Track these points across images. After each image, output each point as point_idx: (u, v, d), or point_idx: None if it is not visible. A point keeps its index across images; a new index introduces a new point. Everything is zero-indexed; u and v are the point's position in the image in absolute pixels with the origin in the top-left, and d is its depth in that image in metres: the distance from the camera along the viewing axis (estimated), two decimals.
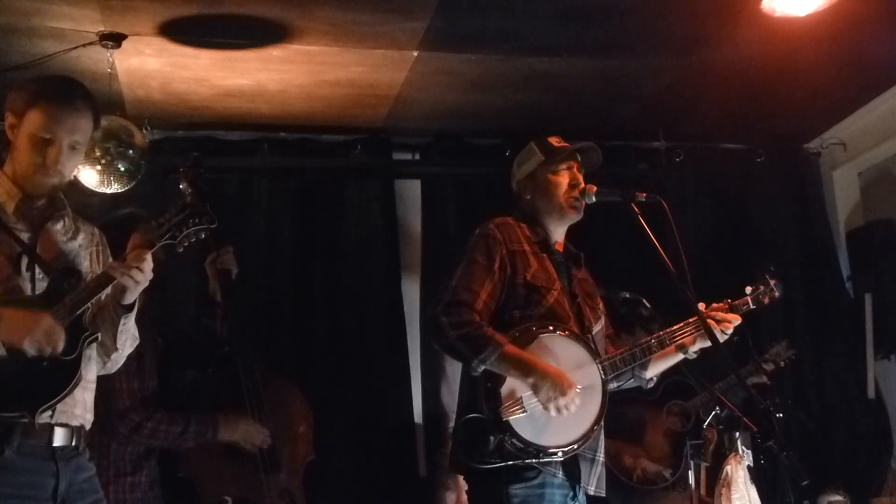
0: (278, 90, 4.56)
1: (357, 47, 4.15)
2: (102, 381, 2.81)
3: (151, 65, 4.24)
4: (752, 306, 3.27)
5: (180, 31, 3.92)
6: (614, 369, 2.99)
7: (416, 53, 4.23)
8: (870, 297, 5.27)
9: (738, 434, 3.83)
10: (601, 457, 3.00)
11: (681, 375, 4.09)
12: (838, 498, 4.81)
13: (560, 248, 3.16)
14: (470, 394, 2.89)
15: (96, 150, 3.95)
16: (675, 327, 3.13)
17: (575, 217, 3.12)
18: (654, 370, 3.20)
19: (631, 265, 4.55)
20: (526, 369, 2.79)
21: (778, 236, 5.51)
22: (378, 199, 5.17)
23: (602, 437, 3.00)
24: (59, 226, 2.70)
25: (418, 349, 4.98)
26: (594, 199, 3.07)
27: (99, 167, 3.99)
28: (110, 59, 4.07)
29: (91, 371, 2.68)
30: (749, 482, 3.73)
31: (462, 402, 2.99)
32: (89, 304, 2.55)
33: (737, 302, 3.23)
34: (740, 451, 3.79)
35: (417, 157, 5.31)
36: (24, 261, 2.58)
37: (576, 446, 2.84)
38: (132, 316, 2.66)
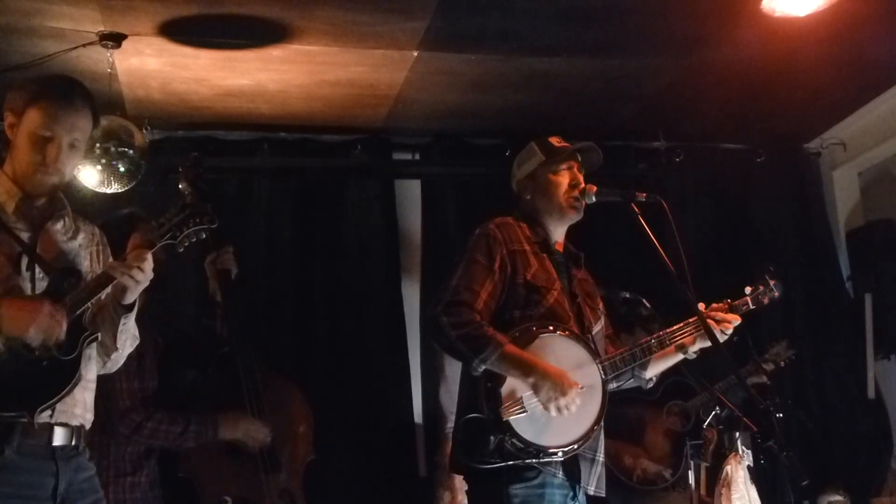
0: (278, 90, 4.56)
1: (357, 47, 4.15)
2: (103, 381, 2.81)
3: (151, 65, 4.24)
4: (751, 306, 3.27)
5: (180, 31, 3.92)
6: (614, 369, 2.99)
7: (416, 53, 4.23)
8: (870, 297, 5.27)
9: (738, 434, 3.83)
10: (601, 457, 3.00)
11: (681, 375, 4.09)
12: (838, 498, 4.81)
13: (560, 248, 3.16)
14: (470, 394, 2.89)
15: (96, 150, 3.95)
16: (674, 327, 3.13)
17: (575, 217, 3.12)
18: (653, 370, 3.20)
19: (631, 265, 4.55)
20: (526, 369, 2.79)
21: (778, 236, 5.51)
22: (378, 199, 5.17)
23: (602, 437, 3.00)
24: (59, 225, 2.70)
25: (418, 349, 4.98)
26: (594, 199, 3.07)
27: (99, 167, 4.00)
28: (110, 59, 4.07)
29: (91, 371, 2.68)
30: (749, 482, 3.73)
31: (462, 402, 2.99)
32: (89, 304, 2.55)
33: (736, 302, 3.23)
34: (740, 451, 3.79)
35: (417, 157, 5.31)
36: (24, 260, 2.58)
37: (576, 446, 2.84)
38: (132, 316, 2.66)
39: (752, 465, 3.77)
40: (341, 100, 4.72)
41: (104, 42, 3.94)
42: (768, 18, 3.89)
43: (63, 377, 2.50)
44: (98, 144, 3.95)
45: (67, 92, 2.66)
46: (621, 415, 4.26)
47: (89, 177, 4.01)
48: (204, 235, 2.66)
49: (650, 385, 3.29)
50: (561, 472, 2.87)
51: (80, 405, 2.62)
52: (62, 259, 2.65)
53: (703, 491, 4.16)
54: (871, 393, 5.24)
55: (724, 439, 4.01)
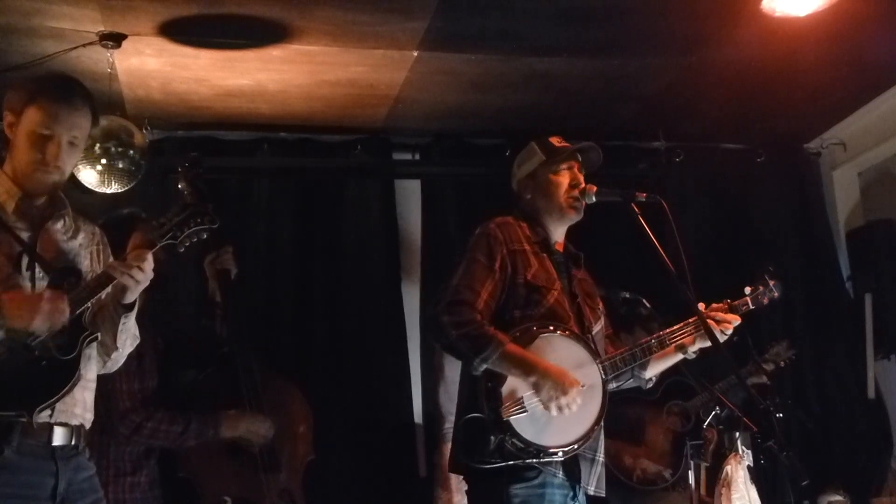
0: (278, 90, 4.56)
1: (357, 47, 4.15)
2: (102, 381, 2.81)
3: (151, 65, 4.24)
4: (751, 307, 3.28)
5: (180, 31, 3.92)
6: (614, 369, 2.99)
7: (416, 53, 4.23)
8: (870, 297, 5.27)
9: (738, 434, 3.83)
10: (601, 457, 3.00)
11: (681, 375, 4.09)
12: (838, 498, 4.81)
13: (560, 248, 3.16)
14: (470, 394, 2.89)
15: (96, 150, 3.95)
16: (674, 327, 3.13)
17: (575, 217, 3.12)
18: (653, 370, 3.21)
19: (631, 265, 4.54)
20: (527, 368, 2.79)
21: (778, 236, 5.51)
22: (378, 199, 5.16)
23: (602, 436, 3.00)
24: (59, 225, 2.71)
25: (418, 349, 4.98)
26: (594, 199, 3.07)
27: (99, 167, 4.00)
28: (110, 59, 4.08)
29: (91, 370, 2.68)
30: (749, 482, 3.73)
31: (462, 401, 2.99)
32: (89, 304, 2.55)
33: (736, 302, 3.24)
34: (740, 451, 3.79)
35: (417, 157, 5.31)
36: (25, 260, 2.58)
37: (576, 446, 2.84)
38: (132, 315, 2.66)
39: (752, 465, 3.77)
40: (341, 100, 4.72)
41: (104, 42, 3.94)
42: (768, 18, 3.89)
43: (62, 377, 2.51)
44: (98, 144, 3.95)
45: (66, 90, 2.66)
46: (621, 415, 4.27)
47: (89, 177, 4.01)
48: (205, 235, 2.66)
49: (650, 385, 3.30)
50: (561, 472, 2.87)
51: (79, 405, 2.62)
52: (62, 258, 2.65)
53: (703, 491, 4.16)
54: (871, 393, 5.24)
55: (724, 439, 4.01)
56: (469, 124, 5.12)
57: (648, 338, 3.12)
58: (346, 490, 4.62)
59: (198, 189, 2.69)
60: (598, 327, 3.13)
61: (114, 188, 4.09)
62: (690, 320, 3.09)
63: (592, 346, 2.99)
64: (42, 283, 2.56)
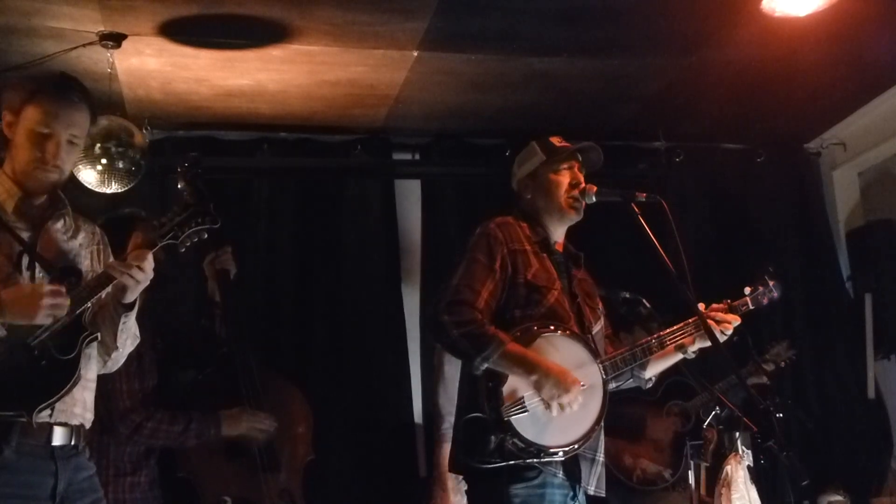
0: (278, 90, 4.57)
1: (357, 47, 4.15)
2: (102, 381, 2.81)
3: (151, 65, 4.24)
4: (751, 307, 3.28)
5: (180, 31, 3.92)
6: (615, 369, 2.99)
7: (416, 53, 4.23)
8: (870, 297, 5.27)
9: (738, 434, 3.83)
10: (601, 457, 3.00)
11: (681, 375, 4.09)
12: (838, 498, 4.81)
13: (560, 248, 3.16)
14: (470, 393, 2.89)
15: (96, 150, 3.95)
16: (675, 327, 3.13)
17: (575, 217, 3.12)
18: (653, 370, 3.21)
19: (631, 265, 4.54)
20: (529, 367, 2.78)
21: (778, 236, 5.52)
22: (378, 199, 5.17)
23: (602, 436, 3.00)
24: (59, 224, 2.71)
25: (418, 349, 4.98)
26: (594, 199, 3.07)
27: (99, 167, 4.00)
28: (110, 59, 4.08)
29: (91, 370, 2.68)
30: (749, 482, 3.73)
31: (462, 401, 2.99)
32: (89, 304, 2.55)
33: (736, 302, 3.23)
34: (740, 451, 3.79)
35: (417, 157, 5.31)
36: (25, 260, 2.58)
37: (576, 446, 2.83)
38: (132, 315, 2.66)
39: (752, 465, 3.77)
40: (341, 100, 4.72)
41: (104, 42, 3.94)
42: (768, 18, 3.89)
43: (62, 377, 2.50)
44: (98, 144, 3.95)
45: (64, 88, 2.66)
46: (621, 415, 4.26)
47: (89, 177, 4.01)
48: (206, 235, 2.66)
49: (649, 385, 3.30)
50: (561, 472, 2.87)
51: (79, 405, 2.62)
52: (62, 258, 2.65)
53: (703, 491, 4.16)
54: (871, 393, 5.23)
55: (724, 439, 4.01)
56: (469, 124, 5.12)
57: (648, 338, 3.12)
58: (346, 490, 4.62)
59: (197, 189, 2.68)
60: (597, 327, 3.13)
61: (114, 188, 4.08)
62: (690, 320, 3.09)
63: (593, 346, 2.99)
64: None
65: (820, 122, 5.46)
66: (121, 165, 4.03)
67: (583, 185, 3.09)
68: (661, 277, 2.96)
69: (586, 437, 2.85)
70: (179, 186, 2.74)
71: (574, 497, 2.91)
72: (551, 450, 2.79)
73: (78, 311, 2.51)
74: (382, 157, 5.21)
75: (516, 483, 2.80)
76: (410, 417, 4.90)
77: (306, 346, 4.88)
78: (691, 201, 5.48)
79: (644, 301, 4.03)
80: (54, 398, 2.49)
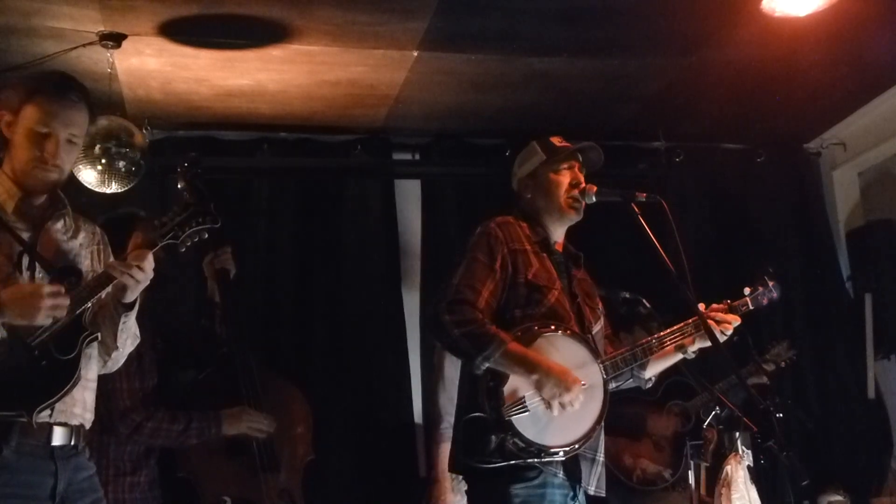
0: (278, 90, 4.57)
1: (357, 47, 4.15)
2: (102, 381, 2.80)
3: (151, 65, 4.24)
4: (751, 307, 3.28)
5: (180, 31, 3.92)
6: (615, 369, 2.99)
7: (416, 53, 4.23)
8: (870, 297, 5.27)
9: (738, 434, 3.83)
10: (601, 457, 3.00)
11: (681, 375, 4.09)
12: (838, 498, 4.81)
13: (560, 248, 3.16)
14: (470, 393, 2.89)
15: (96, 150, 3.95)
16: (675, 327, 3.13)
17: (574, 217, 3.12)
18: (652, 370, 3.21)
19: (631, 265, 4.55)
20: (530, 366, 2.78)
21: (778, 236, 5.52)
22: (378, 199, 5.17)
23: (602, 436, 3.00)
24: (59, 225, 2.71)
25: (418, 349, 4.98)
26: (594, 199, 3.07)
27: (99, 167, 4.00)
28: (110, 59, 4.08)
29: (91, 370, 2.68)
30: (749, 482, 3.73)
31: (462, 401, 2.99)
32: (89, 304, 2.55)
33: (736, 303, 3.23)
34: (740, 451, 3.79)
35: (417, 157, 5.31)
36: (25, 260, 2.58)
37: (577, 446, 2.83)
38: (133, 314, 2.66)
39: (752, 465, 3.77)
40: (341, 100, 4.72)
41: (104, 42, 3.94)
42: (768, 18, 3.89)
43: (62, 377, 2.50)
44: (98, 144, 3.95)
45: (63, 87, 2.66)
46: (621, 414, 4.26)
47: (89, 177, 4.01)
48: (206, 235, 2.66)
49: (649, 385, 3.30)
50: (562, 472, 2.87)
51: (79, 405, 2.62)
52: (62, 258, 2.65)
53: (703, 491, 4.16)
54: (871, 393, 5.24)
55: (724, 439, 4.01)
56: (469, 124, 5.12)
57: (649, 338, 3.12)
58: (345, 490, 4.62)
59: (196, 189, 2.68)
60: (597, 327, 3.13)
61: (114, 188, 4.08)
62: (690, 320, 3.09)
63: (593, 346, 2.99)
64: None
65: (820, 122, 5.46)
66: (121, 165, 4.03)
67: (583, 184, 3.09)
68: (661, 277, 2.96)
69: (587, 436, 2.85)
70: (179, 186, 2.74)
71: (574, 497, 2.91)
72: (552, 449, 2.79)
73: (78, 311, 2.51)
74: (382, 157, 5.21)
75: (516, 483, 2.80)
76: (410, 417, 4.90)
77: (306, 346, 4.88)
78: (691, 201, 5.48)
79: (644, 301, 4.04)
80: (54, 398, 2.49)
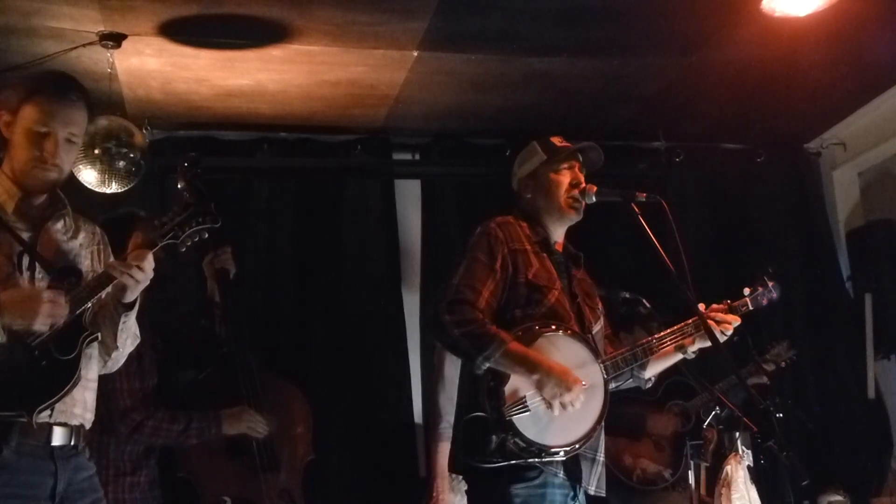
0: (278, 90, 4.57)
1: (357, 47, 4.15)
2: (102, 381, 2.80)
3: (151, 65, 4.24)
4: (750, 308, 3.28)
5: (180, 31, 3.92)
6: (616, 369, 2.99)
7: (416, 53, 4.23)
8: (870, 297, 5.27)
9: (738, 434, 3.84)
10: (601, 456, 3.00)
11: (681, 375, 4.09)
12: (838, 498, 4.81)
13: (560, 248, 3.16)
14: (471, 393, 2.88)
15: (96, 150, 3.95)
16: (675, 327, 3.13)
17: (574, 217, 3.12)
18: (652, 370, 3.21)
19: (631, 265, 4.55)
20: (531, 366, 2.78)
21: (778, 236, 5.52)
22: (378, 199, 5.17)
23: (603, 436, 3.00)
24: (59, 225, 2.71)
25: (418, 349, 4.98)
26: (594, 199, 3.07)
27: (99, 167, 3.99)
28: (110, 59, 4.08)
29: (92, 370, 2.68)
30: (749, 482, 3.73)
31: (462, 400, 2.99)
32: (89, 304, 2.55)
33: (736, 303, 3.23)
34: (740, 451, 3.79)
35: (417, 157, 5.31)
36: (25, 260, 2.58)
37: (577, 446, 2.83)
38: (133, 314, 2.66)
39: (752, 465, 3.77)
40: (341, 100, 4.72)
41: (104, 42, 3.94)
42: (768, 18, 3.89)
43: (62, 377, 2.50)
44: (98, 144, 3.95)
45: (61, 87, 2.66)
46: (621, 414, 4.26)
47: (89, 177, 4.01)
48: (206, 235, 2.66)
49: (649, 385, 3.30)
50: (562, 472, 2.87)
51: (79, 405, 2.62)
52: (62, 258, 2.65)
53: (703, 491, 4.16)
54: (871, 393, 5.24)
55: (724, 439, 4.01)
56: (469, 124, 5.12)
57: (649, 338, 3.12)
58: (345, 490, 4.62)
59: (196, 188, 2.68)
60: (597, 327, 3.13)
61: (114, 188, 4.08)
62: (690, 321, 3.09)
63: (594, 346, 2.99)
64: (42, 284, 2.56)
65: (820, 122, 5.46)
66: (121, 165, 4.03)
67: (583, 184, 3.09)
68: (661, 277, 2.96)
69: (587, 436, 2.85)
70: (179, 186, 2.74)
71: (574, 497, 2.91)
72: (552, 449, 2.79)
73: (78, 311, 2.51)
74: (382, 157, 5.21)
75: (517, 483, 2.80)
76: (410, 417, 4.90)
77: (306, 346, 4.88)
78: (691, 201, 5.48)
79: (644, 301, 4.03)
80: (54, 398, 2.49)
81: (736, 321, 3.15)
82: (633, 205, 3.03)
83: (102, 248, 2.81)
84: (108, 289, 2.57)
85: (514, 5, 3.84)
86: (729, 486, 3.73)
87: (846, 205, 5.65)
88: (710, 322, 3.04)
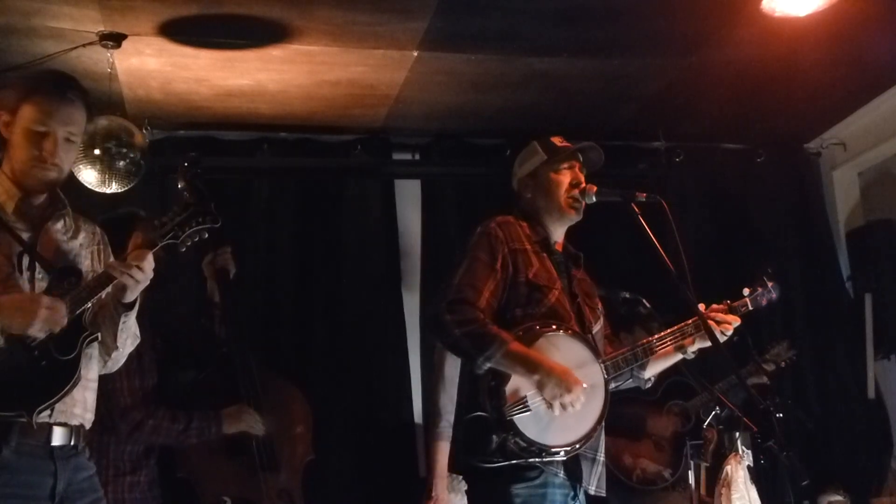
0: (278, 90, 4.57)
1: (357, 47, 4.15)
2: (103, 380, 2.80)
3: (151, 65, 4.24)
4: (750, 308, 3.28)
5: (180, 31, 3.92)
6: (616, 369, 3.00)
7: (416, 53, 4.23)
8: (870, 297, 5.28)
9: (738, 434, 3.84)
10: (602, 456, 3.00)
11: (681, 375, 4.10)
12: (838, 498, 4.81)
13: (559, 248, 3.16)
14: (471, 392, 2.89)
15: (96, 150, 3.95)
16: (675, 327, 3.13)
17: (574, 217, 3.12)
18: (652, 370, 3.21)
19: (631, 265, 4.55)
20: (531, 366, 2.78)
21: (778, 236, 5.52)
22: (378, 199, 5.16)
23: (603, 436, 3.00)
24: (59, 225, 2.71)
25: (418, 349, 4.98)
26: (594, 199, 3.07)
27: (99, 167, 3.99)
28: (110, 59, 4.08)
29: (92, 370, 2.68)
30: (749, 482, 3.73)
31: (463, 400, 2.99)
32: (89, 304, 2.55)
33: (735, 303, 3.24)
34: (740, 451, 3.79)
35: (417, 157, 5.31)
36: (25, 260, 2.58)
37: (578, 446, 2.84)
38: (133, 314, 2.66)
39: (752, 465, 3.77)
40: (341, 100, 4.72)
41: (104, 42, 3.94)
42: (768, 18, 3.89)
43: (62, 377, 2.50)
44: (98, 144, 3.95)
45: (60, 86, 2.66)
46: (621, 414, 4.26)
47: (89, 177, 4.01)
48: (206, 235, 2.66)
49: (648, 385, 3.30)
50: (562, 472, 2.87)
51: (79, 405, 2.62)
52: (62, 258, 2.65)
53: (703, 491, 4.16)
54: (871, 393, 5.24)
55: (724, 439, 4.01)
56: (469, 124, 5.12)
57: (650, 338, 3.12)
58: (345, 490, 4.62)
59: (196, 188, 2.68)
60: (597, 327, 3.13)
61: (114, 188, 4.08)
62: (690, 321, 3.09)
63: (594, 346, 2.99)
64: (42, 284, 2.56)
65: (820, 122, 5.46)
66: (121, 165, 4.03)
67: (583, 184, 3.09)
68: (661, 277, 2.96)
69: (588, 436, 2.85)
70: (179, 186, 2.74)
71: (575, 497, 2.91)
72: (553, 449, 2.79)
73: (78, 312, 2.51)
74: (382, 157, 5.21)
75: (517, 483, 2.81)
76: (410, 417, 4.90)
77: (306, 346, 4.88)
78: (691, 201, 5.48)
79: (644, 301, 4.04)
80: (54, 399, 2.49)
81: (736, 321, 3.15)
82: (633, 205, 3.03)
83: (102, 248, 2.81)
84: (108, 289, 2.57)
85: (514, 5, 3.84)
86: (729, 486, 3.73)
87: (846, 205, 5.65)
88: (710, 322, 3.05)
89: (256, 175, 5.07)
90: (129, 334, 2.71)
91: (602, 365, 2.95)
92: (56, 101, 2.62)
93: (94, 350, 2.66)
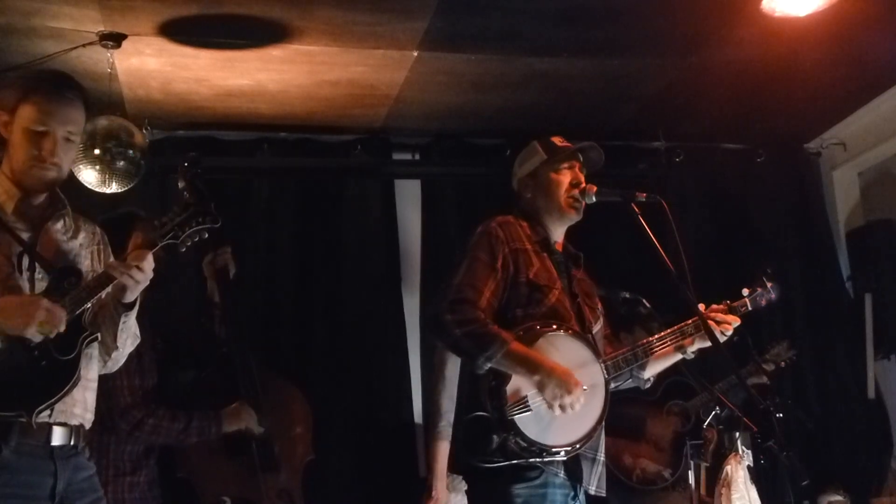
0: (278, 90, 4.56)
1: (357, 47, 4.15)
2: (103, 379, 2.80)
3: (151, 65, 4.24)
4: (749, 308, 3.28)
5: (180, 31, 3.92)
6: (616, 369, 3.00)
7: (416, 53, 4.23)
8: (870, 297, 5.27)
9: (738, 434, 3.83)
10: (602, 456, 3.00)
11: (681, 375, 4.09)
12: (838, 498, 4.81)
13: (559, 247, 3.16)
14: (471, 392, 2.89)
15: (96, 150, 3.95)
16: (675, 327, 3.14)
17: (574, 217, 3.12)
18: (652, 370, 3.21)
19: (631, 265, 4.55)
20: (532, 367, 2.78)
21: (778, 236, 5.52)
22: (378, 199, 5.16)
23: (603, 436, 3.00)
24: (59, 225, 2.71)
25: (418, 349, 4.98)
26: (594, 199, 3.07)
27: (99, 167, 3.99)
28: (110, 59, 4.07)
29: (92, 370, 2.68)
30: (749, 482, 3.73)
31: (463, 400, 2.99)
32: (89, 304, 2.55)
33: (735, 304, 3.24)
34: (740, 451, 3.79)
35: (417, 157, 5.31)
36: (25, 260, 2.58)
37: (578, 446, 2.84)
38: (133, 314, 2.66)
39: (752, 465, 3.77)
40: (341, 100, 4.72)
41: (104, 42, 3.94)
42: (768, 18, 3.89)
43: (62, 377, 2.51)
44: (98, 144, 3.95)
45: (58, 85, 2.66)
46: (621, 414, 4.25)
47: (89, 177, 4.01)
48: (206, 235, 2.66)
49: (648, 385, 3.30)
50: (563, 472, 2.87)
51: (79, 405, 2.62)
52: (62, 258, 2.65)
53: (703, 491, 4.16)
54: (871, 393, 5.24)
55: (724, 439, 4.01)
56: (469, 124, 5.12)
57: (650, 338, 3.12)
58: (345, 490, 4.62)
59: (196, 188, 2.68)
60: (597, 327, 3.14)
61: (114, 188, 4.08)
62: (690, 321, 3.09)
63: (594, 346, 2.99)
64: (42, 284, 2.57)
65: (820, 122, 5.46)
66: (121, 165, 4.03)
67: (583, 184, 3.09)
68: (661, 277, 2.96)
69: (588, 436, 2.86)
70: (179, 186, 2.74)
71: (575, 497, 2.91)
72: (554, 449, 2.79)
73: (78, 312, 2.51)
74: (382, 157, 5.21)
75: (518, 483, 2.81)
76: (410, 417, 4.90)
77: (306, 346, 4.88)
78: (691, 201, 5.48)
79: (644, 301, 4.04)
80: (54, 399, 2.49)
81: (735, 321, 3.16)
82: (633, 205, 3.04)
83: (102, 248, 2.81)
84: (108, 289, 2.57)
85: (514, 5, 3.84)
86: (729, 486, 3.73)
87: (846, 205, 5.65)
88: (709, 322, 3.05)
89: (256, 175, 5.07)
90: (129, 334, 2.71)
91: (602, 365, 2.95)
92: (55, 100, 2.62)
93: (94, 350, 2.66)
